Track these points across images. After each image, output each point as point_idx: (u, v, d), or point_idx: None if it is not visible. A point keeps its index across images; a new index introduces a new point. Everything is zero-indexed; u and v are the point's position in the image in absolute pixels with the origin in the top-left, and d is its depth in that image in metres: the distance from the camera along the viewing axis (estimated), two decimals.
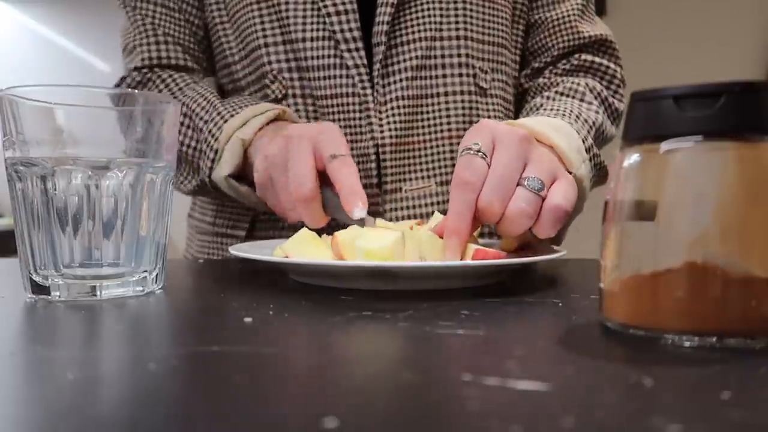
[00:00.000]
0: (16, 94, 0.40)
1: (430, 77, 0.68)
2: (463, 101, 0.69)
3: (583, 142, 0.59)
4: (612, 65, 0.75)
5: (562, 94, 0.70)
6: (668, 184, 0.29)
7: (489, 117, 0.71)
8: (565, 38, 0.75)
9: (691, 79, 0.30)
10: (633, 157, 0.30)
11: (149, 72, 0.73)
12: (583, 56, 0.75)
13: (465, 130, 0.69)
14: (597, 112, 0.67)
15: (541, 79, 0.76)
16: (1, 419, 0.20)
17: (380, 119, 0.67)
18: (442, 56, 0.68)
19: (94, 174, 0.40)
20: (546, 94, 0.72)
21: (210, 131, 0.64)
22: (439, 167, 0.69)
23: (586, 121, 0.64)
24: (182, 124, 0.67)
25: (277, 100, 0.69)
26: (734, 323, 0.27)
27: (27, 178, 0.40)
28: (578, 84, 0.71)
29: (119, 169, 0.41)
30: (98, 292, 0.41)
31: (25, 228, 0.41)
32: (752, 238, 0.28)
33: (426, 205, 0.68)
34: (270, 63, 0.69)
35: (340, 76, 0.67)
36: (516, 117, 0.76)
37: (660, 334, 0.29)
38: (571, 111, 0.63)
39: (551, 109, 0.64)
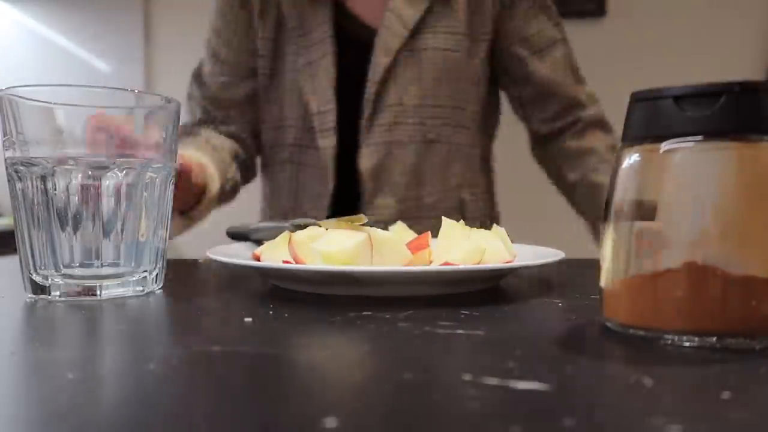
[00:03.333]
0: (16, 94, 0.40)
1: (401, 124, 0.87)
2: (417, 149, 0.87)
3: None
4: (598, 108, 0.91)
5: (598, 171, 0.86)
6: (668, 184, 0.29)
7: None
8: (566, 111, 0.90)
9: (691, 80, 0.30)
10: (633, 157, 0.30)
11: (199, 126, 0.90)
12: (580, 112, 0.90)
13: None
14: None
15: (569, 144, 0.90)
16: (1, 419, 0.20)
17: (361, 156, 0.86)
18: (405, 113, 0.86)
19: (94, 174, 0.40)
20: (597, 160, 0.87)
21: None
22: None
23: None
24: None
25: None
26: (734, 323, 0.27)
27: (27, 178, 0.40)
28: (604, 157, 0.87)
29: (119, 169, 0.41)
30: (98, 292, 0.41)
31: (25, 228, 0.41)
32: (752, 238, 0.28)
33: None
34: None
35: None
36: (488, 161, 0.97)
37: (660, 334, 0.29)
38: None
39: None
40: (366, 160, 0.85)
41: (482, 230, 0.48)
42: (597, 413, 0.20)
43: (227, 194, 0.87)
